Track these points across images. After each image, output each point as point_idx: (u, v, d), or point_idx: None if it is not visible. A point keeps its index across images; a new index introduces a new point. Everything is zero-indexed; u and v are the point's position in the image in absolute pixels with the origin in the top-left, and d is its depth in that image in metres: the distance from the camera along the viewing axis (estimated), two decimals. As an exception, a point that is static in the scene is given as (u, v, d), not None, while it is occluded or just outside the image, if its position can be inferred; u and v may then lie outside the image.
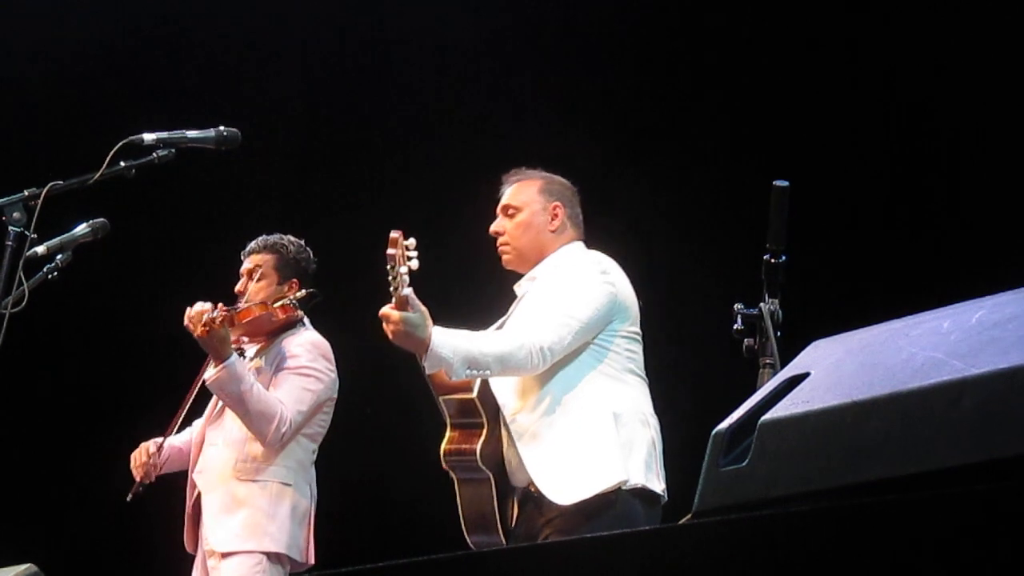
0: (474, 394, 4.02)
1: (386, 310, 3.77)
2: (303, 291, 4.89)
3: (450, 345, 3.80)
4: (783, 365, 2.63)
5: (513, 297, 4.26)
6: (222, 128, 3.87)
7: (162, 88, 7.03)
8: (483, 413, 4.03)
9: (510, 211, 4.24)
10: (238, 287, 4.92)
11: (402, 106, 7.11)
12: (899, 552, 1.83)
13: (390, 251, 3.69)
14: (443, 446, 4.07)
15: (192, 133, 3.83)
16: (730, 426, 2.14)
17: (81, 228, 3.93)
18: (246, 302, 4.83)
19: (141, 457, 4.84)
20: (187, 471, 4.90)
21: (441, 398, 4.06)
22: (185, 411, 4.83)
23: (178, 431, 4.93)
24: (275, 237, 4.98)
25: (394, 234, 3.72)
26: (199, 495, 4.79)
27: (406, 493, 6.69)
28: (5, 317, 3.48)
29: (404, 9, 7.02)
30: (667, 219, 6.25)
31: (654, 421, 4.06)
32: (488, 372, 3.91)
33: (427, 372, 3.91)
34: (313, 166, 7.25)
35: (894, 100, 6.24)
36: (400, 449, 6.63)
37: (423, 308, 3.78)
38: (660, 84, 6.66)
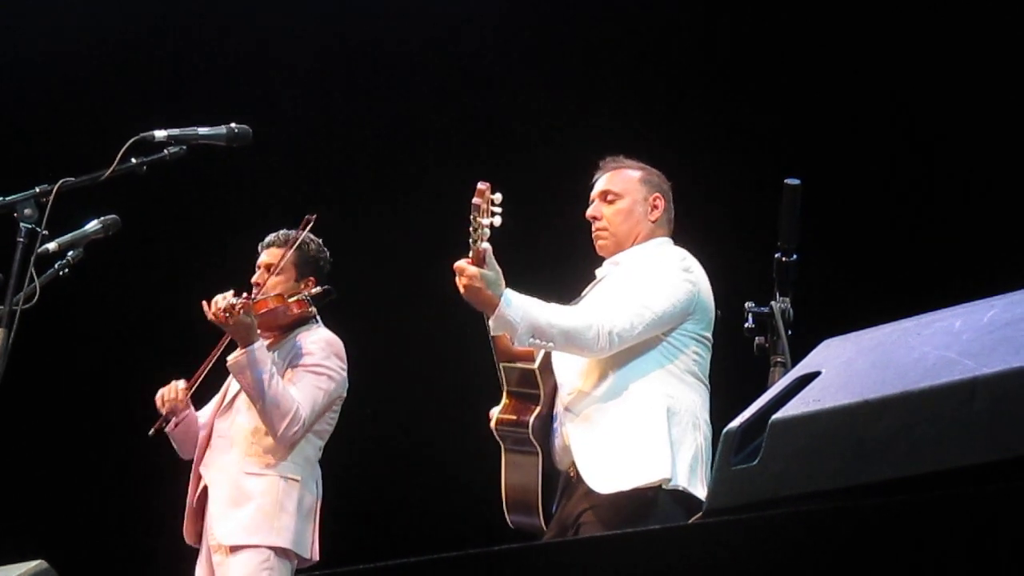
0: (535, 365, 3.95)
1: (461, 263, 3.71)
2: (319, 288, 4.89)
3: (520, 309, 3.74)
4: (794, 364, 2.62)
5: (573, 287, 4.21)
6: (233, 125, 3.86)
7: (173, 85, 7.04)
8: (541, 386, 3.96)
9: (609, 196, 4.17)
10: (255, 278, 4.90)
11: (409, 106, 7.11)
12: (910, 552, 1.82)
13: (475, 201, 3.64)
14: (497, 414, 3.99)
15: (203, 130, 3.82)
16: (741, 425, 2.14)
17: (92, 225, 3.93)
18: (263, 294, 4.82)
19: (170, 393, 4.82)
20: (187, 457, 4.89)
21: (502, 364, 3.99)
22: (210, 365, 4.76)
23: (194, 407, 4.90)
24: (296, 232, 4.93)
25: (482, 185, 3.67)
26: (205, 488, 4.78)
27: (411, 491, 6.70)
28: (16, 313, 3.48)
29: (421, 5, 7.03)
30: (677, 217, 6.23)
31: (707, 429, 3.96)
32: (551, 345, 3.84)
33: (491, 333, 3.84)
34: (320, 165, 7.25)
35: (907, 97, 6.22)
36: (404, 447, 6.63)
37: (498, 267, 3.73)
38: (670, 81, 6.65)
